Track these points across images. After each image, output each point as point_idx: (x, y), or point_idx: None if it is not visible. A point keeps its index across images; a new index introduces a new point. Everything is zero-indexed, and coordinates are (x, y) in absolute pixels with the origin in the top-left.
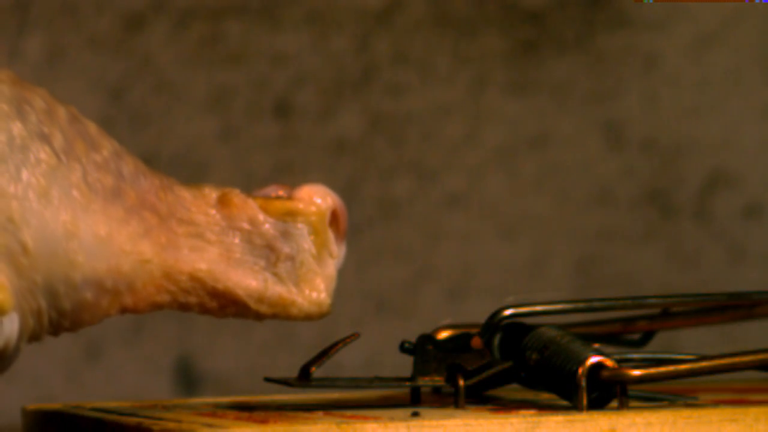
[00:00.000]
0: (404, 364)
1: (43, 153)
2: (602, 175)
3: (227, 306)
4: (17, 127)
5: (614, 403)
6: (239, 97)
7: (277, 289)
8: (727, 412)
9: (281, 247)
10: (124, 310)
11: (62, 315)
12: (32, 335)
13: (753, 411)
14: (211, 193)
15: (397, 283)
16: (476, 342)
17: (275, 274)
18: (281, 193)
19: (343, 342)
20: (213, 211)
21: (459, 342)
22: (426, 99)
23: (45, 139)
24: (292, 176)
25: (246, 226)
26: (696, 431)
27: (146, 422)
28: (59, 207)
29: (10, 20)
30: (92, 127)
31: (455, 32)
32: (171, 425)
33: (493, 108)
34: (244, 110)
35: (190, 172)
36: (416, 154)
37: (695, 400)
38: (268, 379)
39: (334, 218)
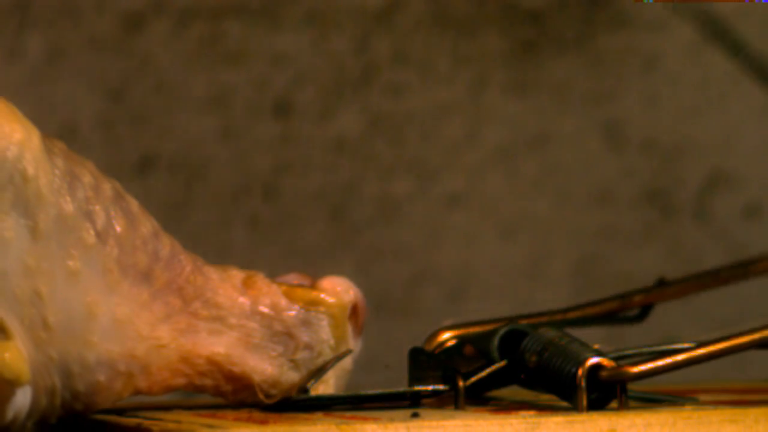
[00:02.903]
0: (404, 364)
1: (85, 232)
2: (602, 175)
3: (241, 390)
4: (67, 204)
5: (614, 404)
6: (239, 97)
7: (291, 376)
8: (727, 412)
9: (300, 336)
10: (138, 392)
11: (75, 397)
12: (43, 415)
13: (753, 412)
14: (237, 275)
15: (397, 283)
16: (469, 349)
17: (292, 361)
18: (303, 281)
19: (335, 358)
20: (237, 294)
21: (451, 351)
22: (426, 99)
23: (89, 217)
24: (292, 176)
25: (268, 311)
26: None
27: (146, 422)
28: (87, 288)
29: (10, 20)
30: (134, 205)
31: (455, 32)
32: (171, 425)
33: (493, 108)
34: (244, 110)
35: (190, 172)
36: (416, 154)
37: (695, 401)
38: (269, 405)
39: (353, 312)
